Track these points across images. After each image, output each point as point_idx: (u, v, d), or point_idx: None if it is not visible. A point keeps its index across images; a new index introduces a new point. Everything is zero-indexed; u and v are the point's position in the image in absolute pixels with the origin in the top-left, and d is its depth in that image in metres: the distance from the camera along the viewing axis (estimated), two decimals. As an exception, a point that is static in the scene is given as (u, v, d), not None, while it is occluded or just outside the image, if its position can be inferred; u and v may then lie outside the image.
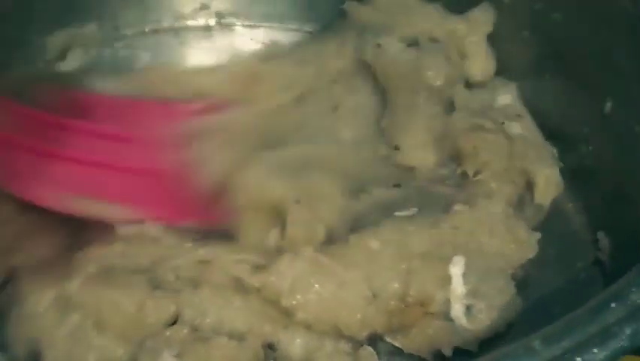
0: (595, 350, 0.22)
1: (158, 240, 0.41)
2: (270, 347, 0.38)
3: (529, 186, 0.45)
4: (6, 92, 0.41)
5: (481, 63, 0.49)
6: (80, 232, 0.40)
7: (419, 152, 0.45)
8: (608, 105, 0.43)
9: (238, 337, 0.37)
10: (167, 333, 0.37)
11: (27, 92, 0.42)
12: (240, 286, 0.39)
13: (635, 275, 0.25)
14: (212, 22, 0.55)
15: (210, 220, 0.42)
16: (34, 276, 0.39)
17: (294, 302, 0.38)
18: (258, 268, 0.39)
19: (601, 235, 0.43)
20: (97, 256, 0.39)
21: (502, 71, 0.50)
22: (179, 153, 0.43)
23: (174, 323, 0.38)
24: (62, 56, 0.52)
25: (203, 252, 0.40)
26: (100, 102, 0.45)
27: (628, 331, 0.22)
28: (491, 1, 0.49)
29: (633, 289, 0.24)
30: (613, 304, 0.23)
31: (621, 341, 0.22)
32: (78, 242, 0.40)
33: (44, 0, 0.51)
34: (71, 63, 0.52)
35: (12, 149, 0.37)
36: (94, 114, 0.43)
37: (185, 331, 0.37)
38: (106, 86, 0.48)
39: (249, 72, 0.49)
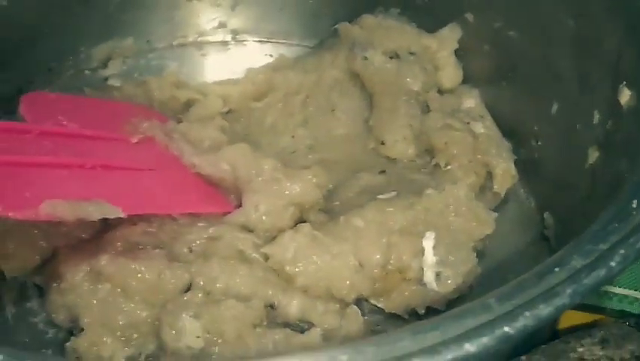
0: (541, 306, 0.21)
1: (175, 220, 0.39)
2: (271, 307, 0.37)
3: (490, 175, 0.44)
4: None
5: (450, 73, 0.48)
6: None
7: (400, 146, 0.44)
8: (554, 107, 0.42)
9: (244, 299, 0.36)
10: (184, 298, 0.36)
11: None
12: (243, 258, 0.38)
13: (574, 245, 0.24)
14: (228, 37, 0.54)
15: (212, 209, 0.40)
16: (71, 254, 0.37)
17: (296, 269, 0.37)
18: (257, 245, 0.38)
19: (547, 215, 0.42)
20: (123, 235, 0.38)
21: (468, 79, 0.49)
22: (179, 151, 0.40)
23: (189, 289, 0.37)
24: (104, 64, 0.51)
25: (213, 230, 0.39)
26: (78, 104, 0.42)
27: (569, 290, 0.22)
28: (457, 21, 0.48)
29: (573, 257, 0.23)
30: (556, 269, 0.23)
31: (563, 299, 0.22)
32: (107, 224, 0.38)
33: (91, 18, 0.49)
34: (111, 70, 0.51)
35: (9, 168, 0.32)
36: (90, 116, 0.40)
37: (200, 295, 0.36)
38: (136, 91, 0.47)
39: (263, 80, 0.48)
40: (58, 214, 0.31)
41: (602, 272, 0.22)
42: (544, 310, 0.21)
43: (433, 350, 0.21)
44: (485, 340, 0.21)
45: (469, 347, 0.20)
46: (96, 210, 0.32)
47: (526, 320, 0.21)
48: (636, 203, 0.26)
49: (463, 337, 0.20)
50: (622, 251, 0.23)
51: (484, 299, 0.22)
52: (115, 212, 0.32)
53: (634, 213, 0.25)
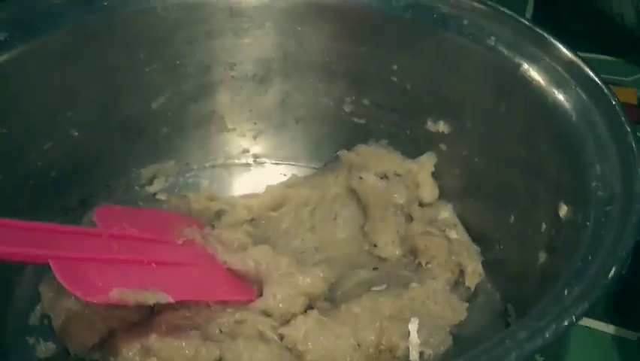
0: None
1: (209, 306, 0.41)
2: (286, 380, 0.39)
3: (462, 273, 0.46)
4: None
5: (428, 190, 0.50)
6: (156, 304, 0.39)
7: (389, 248, 0.47)
8: (512, 218, 0.44)
9: None
10: None
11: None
12: (263, 338, 0.40)
13: (521, 323, 0.27)
14: (250, 160, 0.56)
15: (239, 298, 0.42)
16: (125, 334, 0.39)
17: (306, 347, 0.39)
18: (274, 327, 0.40)
19: (509, 305, 0.44)
20: (167, 319, 0.40)
21: (442, 195, 0.51)
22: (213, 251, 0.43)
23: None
24: (150, 182, 0.54)
25: (239, 314, 0.41)
26: (136, 214, 0.45)
27: (514, 354, 0.25)
28: (433, 150, 0.51)
29: (520, 331, 0.26)
30: (507, 341, 0.26)
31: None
32: (154, 311, 0.40)
33: (142, 145, 0.52)
34: (156, 187, 0.54)
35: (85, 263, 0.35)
36: (146, 222, 0.42)
37: None
38: (179, 203, 0.50)
39: (279, 194, 0.50)
40: (124, 300, 0.34)
41: (538, 341, 0.26)
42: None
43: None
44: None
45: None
46: (152, 297, 0.35)
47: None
48: (567, 291, 0.29)
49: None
50: (553, 326, 0.27)
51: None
52: (165, 298, 0.36)
53: (565, 299, 0.28)
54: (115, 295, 0.34)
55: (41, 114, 0.46)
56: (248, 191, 0.53)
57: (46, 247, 0.33)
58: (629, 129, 0.35)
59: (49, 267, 0.41)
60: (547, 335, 0.26)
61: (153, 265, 0.38)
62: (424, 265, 0.46)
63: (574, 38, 0.72)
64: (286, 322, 0.41)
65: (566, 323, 0.26)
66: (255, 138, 0.56)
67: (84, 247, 0.35)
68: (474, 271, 0.46)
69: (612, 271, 0.29)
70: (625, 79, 0.68)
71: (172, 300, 0.36)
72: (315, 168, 0.55)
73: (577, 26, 0.74)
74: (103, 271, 0.35)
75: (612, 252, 0.30)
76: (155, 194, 0.53)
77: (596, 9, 0.71)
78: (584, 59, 0.41)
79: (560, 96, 0.40)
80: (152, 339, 0.38)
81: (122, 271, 0.36)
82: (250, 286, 0.43)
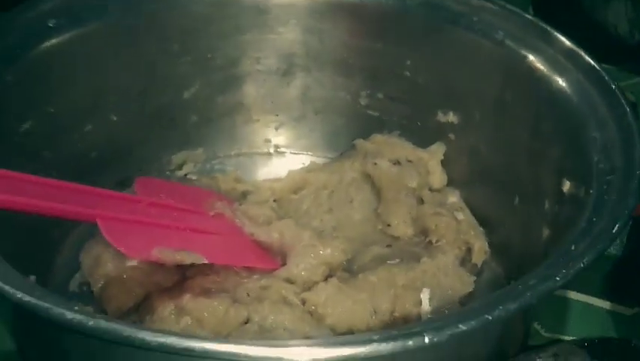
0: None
1: (237, 273, 0.42)
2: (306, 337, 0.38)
3: (469, 251, 0.46)
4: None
5: (437, 177, 0.51)
6: (189, 268, 0.41)
7: (402, 227, 0.47)
8: (516, 200, 0.45)
9: (288, 332, 0.38)
10: (243, 329, 0.38)
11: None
12: (287, 302, 0.40)
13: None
14: (272, 150, 0.57)
15: (265, 266, 0.43)
16: (161, 296, 0.40)
17: (326, 311, 0.40)
18: (297, 293, 0.41)
19: (513, 281, 0.44)
20: (198, 283, 0.40)
21: (451, 182, 0.51)
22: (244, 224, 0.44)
23: (247, 322, 0.39)
24: (180, 167, 0.54)
25: (264, 281, 0.41)
26: (173, 188, 0.46)
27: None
28: (442, 140, 0.51)
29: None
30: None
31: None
32: (186, 276, 0.41)
33: (174, 133, 0.53)
34: (185, 172, 0.54)
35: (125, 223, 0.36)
36: (181, 196, 0.43)
37: (255, 328, 0.39)
38: (209, 183, 0.51)
39: (300, 178, 0.51)
40: (163, 258, 0.35)
41: (549, 284, 0.26)
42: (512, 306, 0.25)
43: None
44: (473, 323, 0.25)
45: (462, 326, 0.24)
46: (188, 257, 0.36)
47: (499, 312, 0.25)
48: (574, 247, 0.29)
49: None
50: (564, 271, 0.27)
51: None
52: (200, 259, 0.36)
53: (573, 252, 0.29)
54: (155, 253, 0.35)
55: (84, 98, 0.46)
56: (269, 176, 0.53)
57: (94, 208, 0.34)
58: (627, 108, 0.36)
59: (91, 236, 0.43)
60: (558, 279, 0.27)
61: (188, 231, 0.39)
62: (434, 242, 0.46)
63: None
64: (308, 288, 0.41)
65: (575, 270, 0.27)
66: (276, 129, 0.56)
67: (127, 210, 0.36)
68: (480, 249, 0.46)
69: (616, 227, 0.29)
70: (620, 84, 0.68)
71: (206, 261, 0.37)
72: (331, 158, 0.56)
73: (573, 35, 0.75)
74: (144, 232, 0.36)
75: (615, 211, 0.30)
76: (186, 175, 0.53)
77: (591, 20, 0.72)
78: (584, 48, 0.42)
79: (563, 83, 0.41)
80: (186, 300, 0.39)
81: (161, 233, 0.37)
82: (274, 256, 0.44)
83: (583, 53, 0.41)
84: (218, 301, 0.39)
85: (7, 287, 0.25)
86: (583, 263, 0.27)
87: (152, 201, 0.38)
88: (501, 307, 0.25)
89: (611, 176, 0.33)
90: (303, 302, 0.41)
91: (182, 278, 0.41)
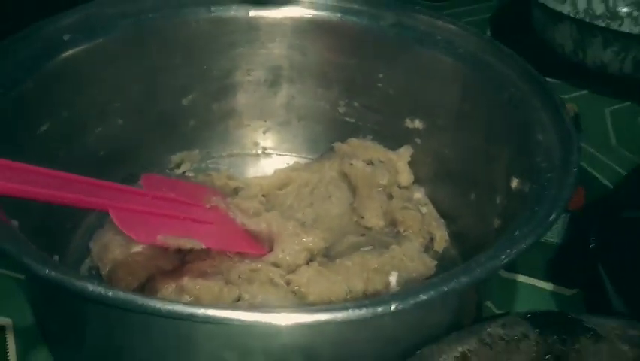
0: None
1: (230, 258, 0.43)
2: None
3: (431, 240, 0.48)
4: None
5: (405, 176, 0.53)
6: (187, 254, 0.42)
7: (374, 219, 0.49)
8: (472, 195, 0.47)
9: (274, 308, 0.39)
10: (235, 306, 0.39)
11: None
12: (274, 283, 0.42)
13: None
14: (260, 151, 0.58)
15: (254, 251, 0.44)
16: (163, 277, 0.41)
17: (307, 290, 0.41)
18: (282, 275, 0.42)
19: None
20: (197, 267, 0.42)
21: (416, 180, 0.53)
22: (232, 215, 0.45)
23: (239, 300, 0.40)
24: (178, 166, 0.55)
25: (254, 265, 0.43)
26: (173, 183, 0.46)
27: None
28: (410, 143, 0.53)
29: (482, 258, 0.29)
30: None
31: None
32: (185, 261, 0.43)
33: (173, 135, 0.54)
34: (183, 170, 0.55)
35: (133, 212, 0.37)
36: (181, 190, 0.44)
37: (246, 305, 0.40)
38: (205, 180, 0.52)
39: (285, 176, 0.52)
40: (167, 243, 0.37)
41: (496, 263, 0.29)
42: (464, 279, 0.27)
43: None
44: (432, 293, 0.27)
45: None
46: (188, 243, 0.38)
47: (454, 284, 0.27)
48: (518, 232, 0.31)
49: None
50: (508, 251, 0.29)
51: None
52: (198, 245, 0.38)
53: (517, 236, 0.31)
54: (160, 239, 0.36)
55: (94, 103, 0.47)
56: (258, 175, 0.54)
57: (107, 199, 0.35)
58: (565, 116, 0.38)
59: (101, 224, 0.44)
60: (503, 257, 0.29)
61: (188, 220, 0.40)
62: (401, 232, 0.48)
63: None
64: (292, 271, 0.43)
65: (517, 251, 0.29)
66: (264, 133, 0.58)
67: (135, 201, 0.37)
68: (441, 238, 0.48)
69: (553, 215, 0.31)
70: (565, 96, 0.71)
71: (203, 246, 0.38)
72: (313, 158, 0.57)
73: (526, 53, 0.78)
74: (150, 221, 0.37)
75: (554, 203, 0.32)
76: (184, 172, 0.55)
77: (541, 40, 0.75)
78: (533, 65, 0.44)
79: (512, 93, 0.43)
80: (185, 280, 0.40)
81: (165, 222, 0.38)
82: (263, 243, 0.45)
83: (530, 68, 0.43)
84: (214, 282, 0.40)
85: (36, 264, 0.27)
86: (524, 245, 0.29)
87: (156, 194, 0.39)
88: (455, 280, 0.27)
89: (551, 173, 0.35)
90: (288, 283, 0.42)
91: (181, 262, 0.43)
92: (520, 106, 0.42)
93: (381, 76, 0.53)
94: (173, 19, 0.50)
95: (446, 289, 0.27)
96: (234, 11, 0.51)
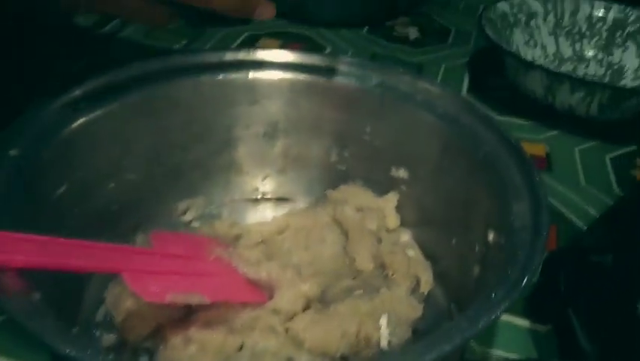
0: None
1: (233, 306, 0.43)
2: (289, 359, 0.41)
3: (418, 282, 0.49)
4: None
5: (392, 220, 0.54)
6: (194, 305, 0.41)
7: (365, 263, 0.49)
8: (453, 241, 0.47)
9: (274, 355, 0.40)
10: (238, 354, 0.40)
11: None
12: (274, 330, 0.42)
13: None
14: (259, 197, 0.59)
15: (255, 300, 0.44)
16: (172, 327, 0.41)
17: (304, 337, 0.41)
18: (281, 322, 0.43)
19: (452, 305, 0.47)
20: (203, 316, 0.42)
21: (403, 223, 0.54)
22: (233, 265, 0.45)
23: (241, 348, 0.41)
24: (184, 213, 0.56)
25: (255, 313, 0.43)
26: (180, 238, 0.46)
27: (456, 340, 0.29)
28: (396, 190, 0.54)
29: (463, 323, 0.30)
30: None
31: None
32: (192, 310, 0.42)
33: (180, 185, 0.54)
34: (188, 216, 0.56)
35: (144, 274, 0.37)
36: (187, 244, 0.44)
37: (248, 353, 0.40)
38: (208, 230, 0.52)
39: (282, 222, 0.53)
40: (175, 301, 0.37)
41: (474, 330, 0.29)
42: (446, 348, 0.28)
43: None
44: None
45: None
46: (194, 299, 0.38)
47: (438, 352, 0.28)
48: (494, 295, 0.32)
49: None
50: (485, 318, 0.30)
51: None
52: (204, 300, 0.39)
53: (492, 300, 0.32)
54: (169, 298, 0.37)
55: (108, 162, 0.48)
56: (258, 219, 0.56)
57: (121, 263, 0.36)
58: (537, 178, 0.39)
59: (115, 277, 0.45)
60: (480, 325, 0.29)
61: (194, 276, 0.41)
62: (390, 275, 0.49)
63: (498, 105, 0.78)
64: (290, 318, 0.43)
65: (493, 316, 0.30)
66: (263, 179, 0.59)
67: (146, 263, 0.38)
68: (426, 281, 0.49)
69: (525, 280, 0.32)
70: (536, 137, 0.72)
71: (208, 302, 0.39)
72: (308, 202, 0.58)
73: (500, 96, 0.79)
74: (160, 280, 0.38)
75: (525, 267, 0.33)
76: (190, 222, 0.55)
77: (514, 84, 0.77)
78: (501, 123, 0.45)
79: (488, 151, 0.44)
80: (192, 331, 0.41)
81: (173, 280, 0.38)
82: (263, 290, 0.45)
83: (503, 130, 0.44)
84: (218, 332, 0.41)
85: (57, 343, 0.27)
86: (498, 313, 0.30)
87: (165, 252, 0.40)
88: (438, 349, 0.28)
89: (523, 234, 0.36)
90: (286, 330, 0.43)
91: (189, 311, 0.43)
92: (496, 165, 0.43)
93: (368, 129, 0.54)
94: (178, 83, 0.50)
95: (427, 359, 0.27)
96: (235, 75, 0.52)
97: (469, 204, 0.46)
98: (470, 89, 0.80)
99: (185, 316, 0.43)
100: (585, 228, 0.58)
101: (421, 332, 0.45)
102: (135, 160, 0.50)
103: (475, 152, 0.45)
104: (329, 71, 0.52)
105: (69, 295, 0.43)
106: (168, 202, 0.55)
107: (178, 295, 0.37)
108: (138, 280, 0.36)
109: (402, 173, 0.53)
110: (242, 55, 0.53)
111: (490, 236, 0.41)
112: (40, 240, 0.32)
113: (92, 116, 0.46)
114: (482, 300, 0.32)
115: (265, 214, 0.56)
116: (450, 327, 0.30)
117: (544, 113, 0.74)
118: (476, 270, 0.43)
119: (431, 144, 0.50)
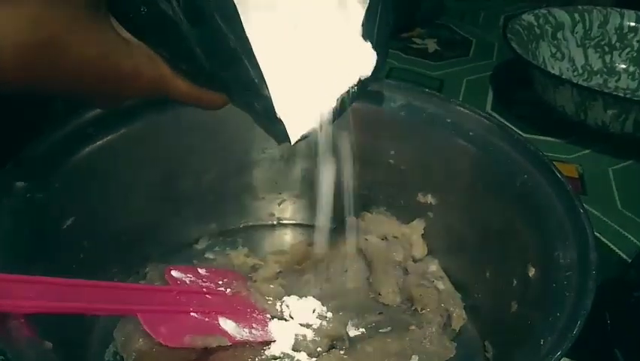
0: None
1: (253, 347, 0.42)
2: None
3: (449, 317, 0.47)
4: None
5: (419, 249, 0.53)
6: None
7: (391, 296, 0.48)
8: (487, 273, 0.47)
9: None
10: None
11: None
12: None
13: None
14: (275, 222, 0.58)
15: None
16: None
17: None
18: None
19: (487, 343, 0.45)
20: (220, 357, 0.40)
21: (431, 252, 0.53)
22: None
23: None
24: (197, 241, 0.55)
25: (269, 352, 0.42)
26: (195, 272, 0.45)
27: None
28: (423, 217, 0.53)
29: None
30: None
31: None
32: (209, 349, 0.41)
33: (191, 212, 0.54)
34: (201, 245, 0.55)
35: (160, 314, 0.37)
36: (203, 278, 0.43)
37: None
38: (224, 260, 0.52)
39: (301, 252, 0.52)
40: (194, 344, 0.36)
41: None
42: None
43: None
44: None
45: None
46: (214, 341, 0.37)
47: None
48: (542, 341, 0.31)
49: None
50: None
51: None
52: (224, 342, 0.38)
53: (542, 347, 0.31)
54: (187, 340, 0.36)
55: (118, 189, 0.47)
56: (274, 246, 0.55)
57: (135, 303, 0.35)
58: (581, 210, 0.38)
59: (123, 316, 0.43)
60: (533, 379, 0.28)
61: (213, 314, 0.40)
62: (419, 310, 0.48)
63: (525, 122, 0.77)
64: (314, 358, 0.42)
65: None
66: (279, 204, 0.58)
67: (161, 302, 0.37)
68: (458, 316, 0.48)
69: (576, 328, 0.31)
70: (568, 156, 0.71)
71: (229, 343, 0.38)
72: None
73: (527, 112, 0.78)
74: (177, 320, 0.37)
75: (576, 311, 0.32)
76: (204, 251, 0.54)
77: (542, 100, 0.75)
78: (539, 148, 0.44)
79: (525, 182, 0.43)
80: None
81: (191, 320, 0.38)
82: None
83: (541, 155, 0.43)
84: (237, 378, 0.40)
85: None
86: (552, 362, 0.28)
87: (181, 289, 0.39)
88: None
89: (569, 272, 0.35)
90: (312, 372, 0.41)
91: (205, 352, 0.42)
92: (535, 194, 0.42)
93: (393, 153, 0.53)
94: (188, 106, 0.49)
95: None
96: (251, 96, 0.51)
97: (504, 235, 0.45)
98: (495, 105, 0.79)
99: (201, 357, 0.41)
100: (623, 256, 0.57)
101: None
102: (146, 187, 0.49)
103: (510, 179, 0.44)
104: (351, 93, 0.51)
105: (75, 332, 0.41)
106: (179, 230, 0.54)
107: (197, 338, 0.36)
108: (154, 320, 0.35)
109: (429, 199, 0.52)
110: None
111: (531, 272, 0.40)
112: (49, 282, 0.31)
113: (101, 142, 0.45)
114: (531, 349, 0.31)
115: (282, 242, 0.55)
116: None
117: (575, 131, 0.73)
118: (514, 306, 0.42)
119: (462, 169, 0.48)
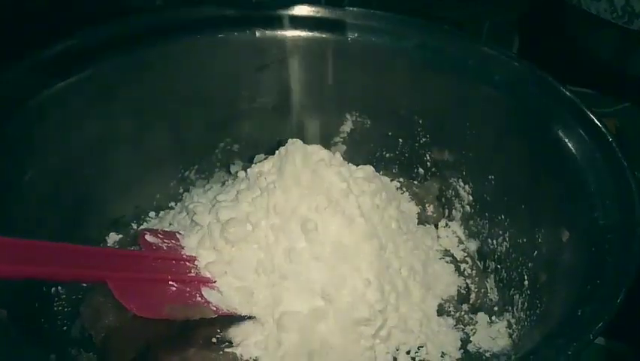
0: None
1: (238, 324, 0.41)
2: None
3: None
4: None
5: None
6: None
7: None
8: (511, 240, 0.46)
9: None
10: None
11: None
12: None
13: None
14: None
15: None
16: (164, 347, 0.40)
17: None
18: None
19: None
20: (202, 334, 0.40)
21: (446, 216, 0.53)
22: None
23: None
24: (175, 202, 0.54)
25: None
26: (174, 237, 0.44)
27: None
28: (437, 176, 0.52)
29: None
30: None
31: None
32: (189, 324, 0.40)
33: (165, 172, 0.53)
34: (178, 208, 0.52)
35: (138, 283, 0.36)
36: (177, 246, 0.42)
37: None
38: None
39: None
40: (174, 315, 0.35)
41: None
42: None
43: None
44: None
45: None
46: (198, 312, 0.36)
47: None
48: (580, 312, 0.30)
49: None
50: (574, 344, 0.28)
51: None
52: (209, 313, 0.37)
53: (579, 318, 0.30)
54: (167, 311, 0.35)
55: (84, 142, 0.46)
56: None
57: (103, 269, 0.33)
58: (625, 164, 0.37)
59: (92, 286, 0.43)
60: (570, 352, 0.27)
61: (194, 283, 0.39)
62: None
63: (557, 71, 0.75)
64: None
65: (583, 343, 0.28)
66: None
67: (135, 268, 0.36)
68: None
69: (621, 295, 0.30)
70: (604, 110, 0.70)
71: (214, 315, 0.37)
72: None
73: (558, 60, 0.76)
74: (153, 289, 0.36)
75: (619, 277, 0.31)
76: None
77: (575, 46, 0.73)
78: (581, 98, 0.42)
79: (560, 133, 0.41)
80: (191, 353, 0.39)
81: (169, 289, 0.36)
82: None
83: (581, 104, 0.42)
84: (220, 355, 0.39)
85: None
86: (591, 335, 0.28)
87: (156, 255, 0.38)
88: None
89: (611, 234, 0.34)
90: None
91: (184, 327, 0.41)
92: (569, 147, 0.40)
93: (404, 101, 0.51)
94: (170, 43, 0.48)
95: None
96: (238, 33, 0.49)
97: (533, 196, 0.43)
98: (521, 52, 0.77)
99: (181, 333, 0.40)
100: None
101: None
102: (116, 141, 0.48)
103: (542, 131, 0.42)
104: (355, 28, 0.49)
105: (35, 303, 0.41)
106: (154, 191, 0.53)
107: (176, 308, 0.35)
108: (127, 289, 0.34)
109: (446, 155, 0.51)
110: (247, 9, 0.50)
111: (565, 236, 0.38)
112: (6, 243, 0.30)
113: (64, 83, 0.43)
114: (566, 318, 0.30)
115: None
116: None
117: (613, 81, 0.71)
118: (542, 277, 0.41)
119: (485, 119, 0.47)
